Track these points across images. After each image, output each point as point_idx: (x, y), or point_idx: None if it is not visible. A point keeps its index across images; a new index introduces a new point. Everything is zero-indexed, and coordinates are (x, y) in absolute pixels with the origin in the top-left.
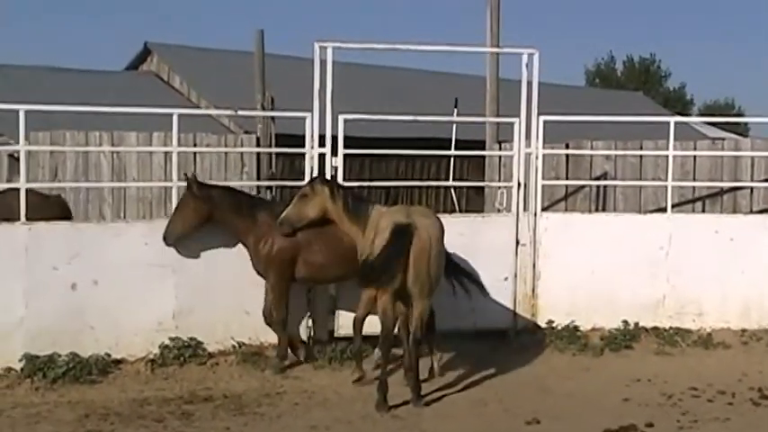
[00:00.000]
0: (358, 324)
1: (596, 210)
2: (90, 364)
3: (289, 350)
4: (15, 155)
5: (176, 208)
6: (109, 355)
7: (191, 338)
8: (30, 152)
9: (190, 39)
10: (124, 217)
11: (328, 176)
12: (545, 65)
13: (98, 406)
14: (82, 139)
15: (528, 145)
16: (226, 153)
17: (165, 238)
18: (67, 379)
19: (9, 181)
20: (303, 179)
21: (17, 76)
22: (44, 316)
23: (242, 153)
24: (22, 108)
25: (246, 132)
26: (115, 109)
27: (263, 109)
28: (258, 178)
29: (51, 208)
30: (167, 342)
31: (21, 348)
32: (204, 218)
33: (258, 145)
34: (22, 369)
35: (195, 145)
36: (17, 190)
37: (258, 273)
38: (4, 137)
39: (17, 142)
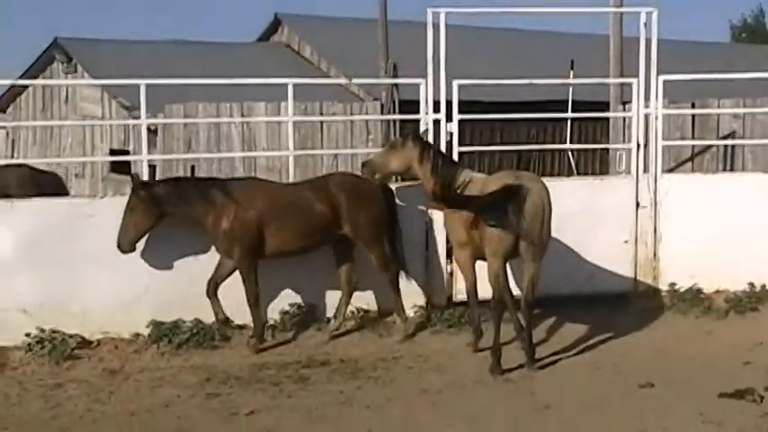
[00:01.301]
0: (471, 290)
1: (724, 170)
2: (212, 330)
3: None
4: (152, 127)
5: (125, 212)
6: (232, 322)
7: (309, 304)
8: (163, 126)
9: (317, 8)
10: None
11: (429, 138)
12: (689, 22)
13: (219, 370)
14: (213, 110)
15: (647, 105)
16: (351, 121)
17: (119, 246)
18: (191, 344)
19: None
20: None
21: (150, 51)
22: (169, 284)
23: (367, 120)
24: (142, 82)
25: (375, 100)
26: (239, 80)
27: (387, 76)
28: (383, 145)
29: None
30: (287, 308)
31: (147, 315)
32: (156, 217)
33: (381, 112)
34: (148, 335)
35: (322, 114)
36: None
37: (220, 252)
38: (138, 111)
39: (153, 116)
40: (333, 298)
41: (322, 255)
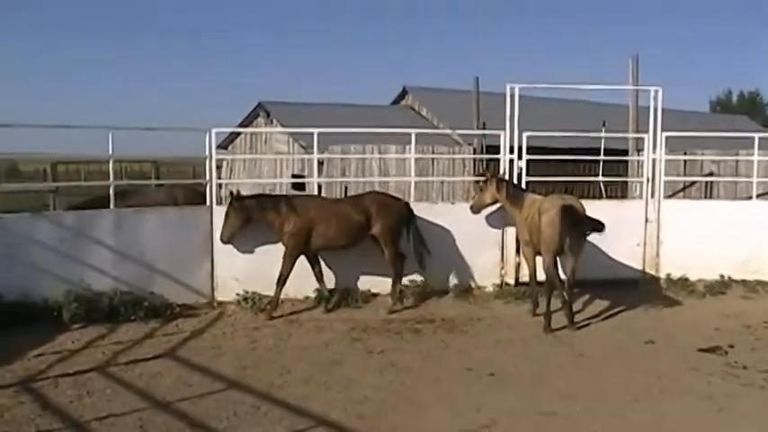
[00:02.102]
0: (532, 274)
1: (705, 197)
2: (356, 295)
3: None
4: (320, 160)
5: (224, 217)
6: (370, 291)
7: (422, 280)
8: (327, 159)
9: (432, 82)
10: None
11: (505, 174)
12: (679, 96)
13: (360, 322)
14: (360, 149)
15: (654, 152)
16: (452, 159)
17: (221, 239)
18: (342, 305)
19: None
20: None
21: (320, 110)
22: (337, 265)
23: (463, 159)
24: (315, 130)
25: (468, 144)
26: (378, 130)
27: (478, 128)
28: (474, 175)
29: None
30: (407, 283)
31: (313, 284)
32: (245, 220)
33: (474, 153)
34: (315, 297)
35: (433, 153)
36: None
37: (283, 243)
38: (312, 149)
39: (321, 153)
40: (437, 278)
41: (434, 252)
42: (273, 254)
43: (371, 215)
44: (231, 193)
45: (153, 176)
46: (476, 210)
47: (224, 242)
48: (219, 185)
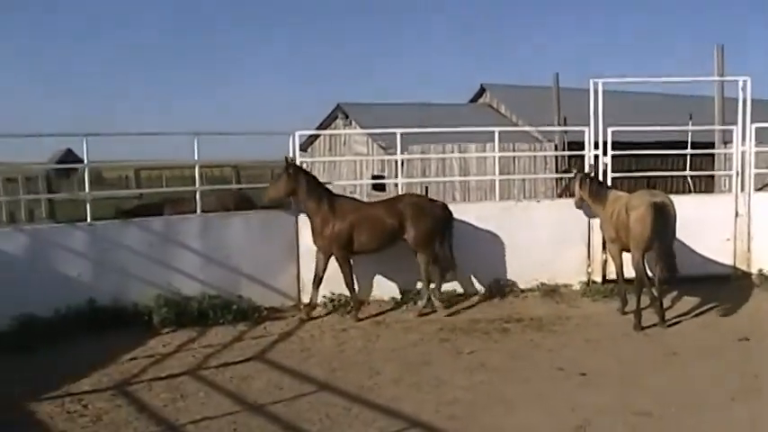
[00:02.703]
0: (619, 272)
1: None
2: (443, 295)
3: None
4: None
5: (274, 179)
6: (455, 291)
7: (508, 280)
8: (407, 159)
9: (509, 78)
10: (467, 200)
11: (592, 171)
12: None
13: (447, 323)
14: (440, 149)
15: (744, 144)
16: (534, 156)
17: (265, 198)
18: (430, 305)
19: (382, 177)
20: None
21: (398, 110)
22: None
23: (545, 156)
24: (398, 131)
25: (549, 141)
26: (458, 129)
27: (559, 125)
28: (556, 172)
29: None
30: (493, 282)
31: (397, 285)
32: (289, 191)
33: (555, 150)
34: (400, 298)
35: (514, 151)
36: None
37: (318, 247)
38: (392, 149)
39: (399, 152)
40: (523, 277)
41: (519, 250)
42: (359, 256)
43: (405, 219)
44: (286, 158)
45: (234, 181)
46: (577, 205)
47: (266, 203)
48: None
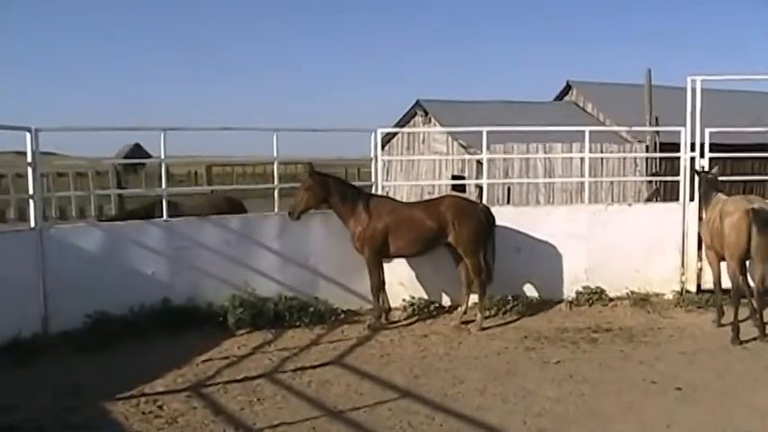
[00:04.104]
0: (716, 281)
1: None
2: (529, 302)
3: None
4: (480, 161)
5: (299, 190)
6: (541, 297)
7: (597, 287)
8: (488, 159)
9: (597, 76)
10: (552, 203)
11: (709, 170)
12: None
13: (533, 331)
14: (524, 149)
15: None
16: (624, 158)
17: (290, 214)
18: (513, 312)
19: (462, 177)
20: (679, 176)
21: (480, 108)
22: (502, 269)
23: (635, 158)
24: (483, 129)
25: (639, 142)
26: (544, 128)
27: (651, 125)
28: (646, 174)
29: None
30: (580, 289)
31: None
32: (320, 200)
33: (647, 151)
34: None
35: (602, 152)
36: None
37: (357, 249)
38: (473, 148)
39: (480, 152)
40: (612, 284)
41: (609, 257)
42: (439, 258)
43: (446, 222)
44: (307, 164)
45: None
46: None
47: (293, 218)
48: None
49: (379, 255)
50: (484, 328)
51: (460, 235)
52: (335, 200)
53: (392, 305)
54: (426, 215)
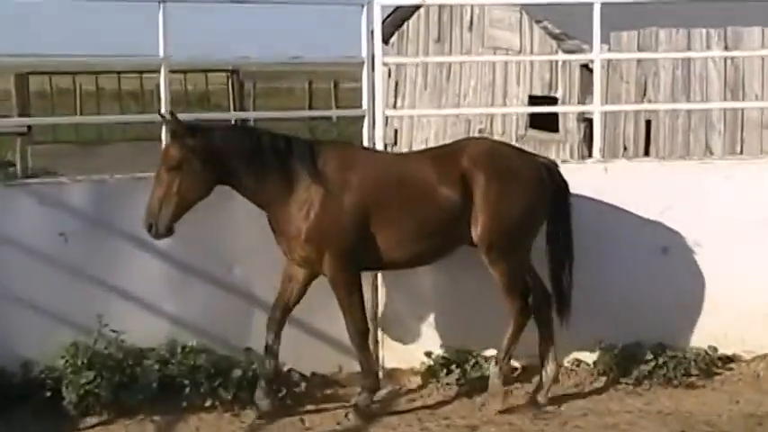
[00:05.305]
0: None
1: None
2: (688, 361)
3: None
4: (588, 65)
5: (159, 173)
6: (715, 350)
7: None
8: (610, 61)
9: None
10: (740, 151)
11: None
12: None
13: (697, 420)
14: (683, 40)
15: None
16: None
17: (149, 226)
18: (655, 380)
19: (582, 103)
20: None
21: None
22: (623, 289)
23: None
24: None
25: None
26: None
27: None
28: None
29: None
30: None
31: (594, 334)
32: (210, 182)
33: None
34: (594, 363)
35: None
36: None
37: (301, 261)
38: (575, 41)
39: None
40: None
41: None
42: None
43: (474, 188)
44: (162, 115)
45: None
46: None
47: (157, 233)
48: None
49: (353, 263)
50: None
51: (491, 217)
52: (245, 172)
53: (398, 364)
54: (438, 176)
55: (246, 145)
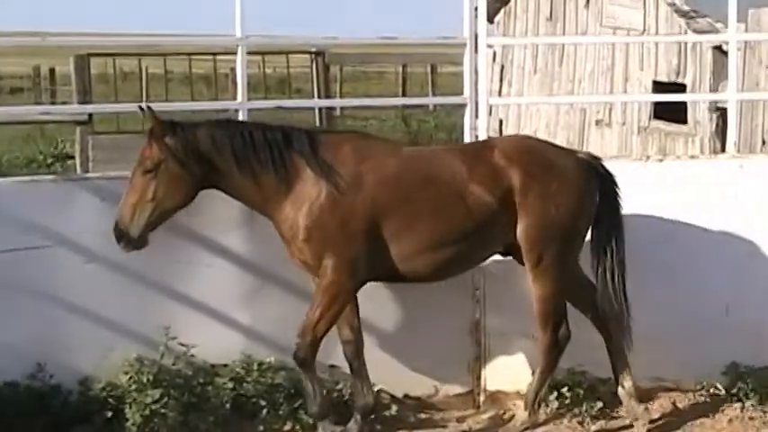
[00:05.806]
0: None
1: None
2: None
3: None
4: (722, 47)
5: (134, 175)
6: None
7: None
8: (747, 43)
9: None
10: None
11: None
12: None
13: None
14: None
15: None
16: None
17: (120, 235)
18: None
19: (714, 90)
20: None
21: None
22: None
23: None
24: None
25: None
26: None
27: None
28: None
29: None
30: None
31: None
32: (195, 185)
33: None
34: (726, 387)
35: None
36: None
37: (303, 266)
38: (707, 19)
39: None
40: None
41: None
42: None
43: (515, 190)
44: (142, 108)
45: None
46: None
47: (129, 245)
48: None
49: (358, 273)
50: None
51: (531, 224)
52: (238, 173)
53: (502, 386)
54: (469, 173)
55: (237, 142)
